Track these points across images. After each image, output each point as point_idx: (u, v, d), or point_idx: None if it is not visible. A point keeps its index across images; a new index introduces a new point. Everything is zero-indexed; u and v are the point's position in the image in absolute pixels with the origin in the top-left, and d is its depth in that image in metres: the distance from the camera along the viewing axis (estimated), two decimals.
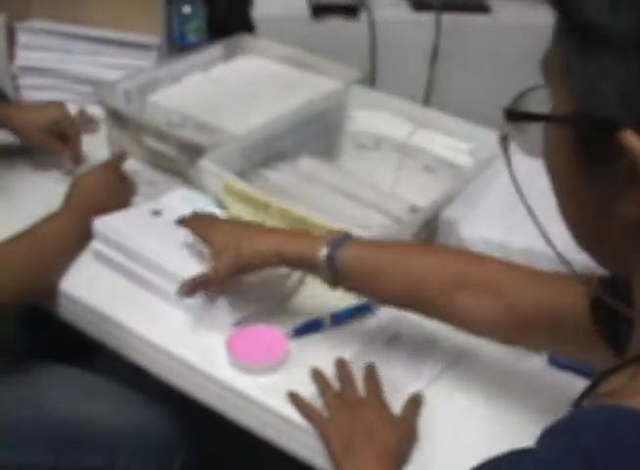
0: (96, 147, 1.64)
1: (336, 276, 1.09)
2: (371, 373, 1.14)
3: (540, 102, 0.74)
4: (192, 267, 1.23)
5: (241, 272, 1.17)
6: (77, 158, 1.59)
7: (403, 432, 1.06)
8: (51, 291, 1.30)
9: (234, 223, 1.26)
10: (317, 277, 1.12)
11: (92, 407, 1.33)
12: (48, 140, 1.56)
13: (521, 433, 1.07)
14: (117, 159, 1.51)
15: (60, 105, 1.59)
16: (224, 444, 1.45)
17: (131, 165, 1.58)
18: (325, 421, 1.07)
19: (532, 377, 1.17)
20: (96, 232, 1.34)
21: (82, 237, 1.34)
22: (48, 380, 1.37)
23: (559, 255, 0.80)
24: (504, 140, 0.77)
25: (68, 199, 1.38)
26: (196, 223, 1.26)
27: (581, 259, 0.78)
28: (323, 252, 1.08)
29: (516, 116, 0.73)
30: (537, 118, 0.72)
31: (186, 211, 1.33)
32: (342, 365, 1.15)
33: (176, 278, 1.21)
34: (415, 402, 1.10)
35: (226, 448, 1.56)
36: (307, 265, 1.12)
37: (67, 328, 1.33)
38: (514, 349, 1.20)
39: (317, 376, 1.14)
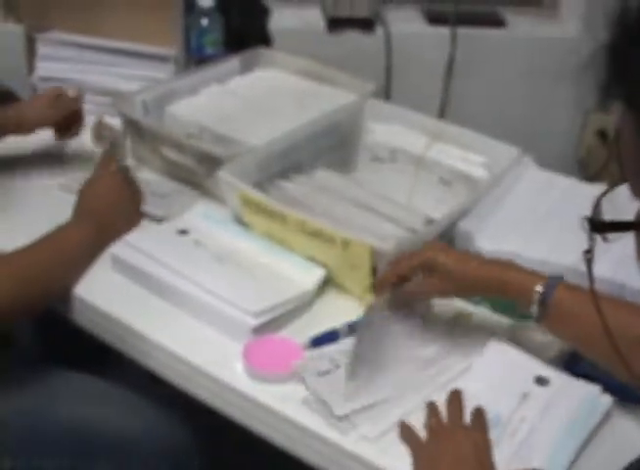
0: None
1: (543, 314, 1.09)
2: (479, 411, 1.09)
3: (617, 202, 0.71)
4: (218, 280, 1.28)
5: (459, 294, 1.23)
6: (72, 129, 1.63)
7: None
8: (66, 297, 1.31)
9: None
10: (524, 310, 1.12)
11: (106, 413, 1.34)
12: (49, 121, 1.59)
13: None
14: (119, 164, 1.51)
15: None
16: (239, 451, 1.46)
17: (149, 176, 1.60)
18: (420, 444, 1.06)
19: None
20: (122, 246, 1.37)
21: (97, 245, 1.36)
22: (62, 386, 1.37)
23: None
24: (588, 252, 0.73)
25: (78, 208, 1.39)
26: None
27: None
28: (539, 288, 1.09)
29: (601, 226, 0.70)
30: (625, 228, 0.68)
31: (210, 228, 1.40)
32: (455, 395, 1.12)
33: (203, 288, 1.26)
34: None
35: (241, 455, 1.56)
36: (521, 297, 1.11)
37: (81, 334, 1.34)
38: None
39: (429, 404, 1.11)
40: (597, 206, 0.72)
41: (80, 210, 1.39)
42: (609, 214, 0.73)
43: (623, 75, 0.65)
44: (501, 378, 1.16)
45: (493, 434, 1.06)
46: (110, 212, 1.40)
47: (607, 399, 1.11)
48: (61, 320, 1.36)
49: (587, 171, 2.74)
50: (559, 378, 1.15)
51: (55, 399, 1.34)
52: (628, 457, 0.88)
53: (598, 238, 0.73)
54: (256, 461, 1.46)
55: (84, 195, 1.42)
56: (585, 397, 1.12)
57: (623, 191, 0.71)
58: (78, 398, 1.36)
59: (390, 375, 1.16)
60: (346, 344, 1.21)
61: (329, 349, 1.20)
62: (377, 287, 1.23)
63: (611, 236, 0.72)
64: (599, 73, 0.65)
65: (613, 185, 0.73)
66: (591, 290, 0.79)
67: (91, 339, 1.33)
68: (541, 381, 1.15)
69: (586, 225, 0.72)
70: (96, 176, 1.46)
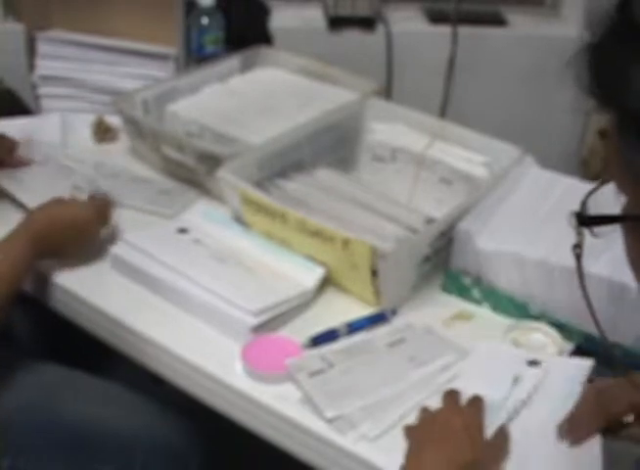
0: (115, 155, 1.66)
1: None
2: (476, 398, 1.09)
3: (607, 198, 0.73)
4: (218, 279, 1.28)
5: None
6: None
7: (486, 456, 1.01)
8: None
9: None
10: None
11: (106, 413, 1.34)
12: None
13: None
14: (102, 201, 1.43)
15: None
16: (239, 450, 1.46)
17: (149, 174, 1.60)
18: (410, 428, 1.07)
19: None
20: (122, 244, 1.36)
21: (29, 265, 1.29)
22: (63, 385, 1.37)
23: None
24: (577, 247, 0.76)
25: (22, 224, 1.32)
26: None
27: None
28: None
29: (588, 220, 0.73)
30: (611, 221, 0.71)
31: (210, 227, 1.40)
32: (451, 390, 1.12)
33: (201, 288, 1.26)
34: (504, 434, 1.06)
35: (240, 455, 1.56)
36: None
37: (82, 333, 1.34)
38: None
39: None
40: (585, 201, 0.74)
41: (20, 228, 1.31)
42: (600, 210, 0.75)
43: (607, 74, 0.66)
44: (494, 366, 1.17)
45: (488, 419, 1.06)
46: (49, 239, 1.32)
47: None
48: (61, 319, 1.36)
49: (589, 171, 2.74)
50: (551, 359, 1.18)
51: (55, 399, 1.34)
52: None
53: (587, 234, 0.75)
54: (256, 461, 1.46)
55: (32, 213, 1.35)
56: (579, 370, 1.14)
57: (612, 188, 0.72)
58: (79, 397, 1.36)
59: (383, 375, 1.16)
60: (342, 343, 1.21)
61: (324, 348, 1.20)
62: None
63: (600, 232, 0.73)
64: (581, 72, 0.67)
65: (601, 182, 0.74)
66: (581, 285, 0.80)
67: (92, 338, 1.33)
68: (533, 363, 1.16)
69: (574, 220, 0.74)
70: (59, 201, 1.39)
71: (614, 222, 0.71)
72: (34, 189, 1.48)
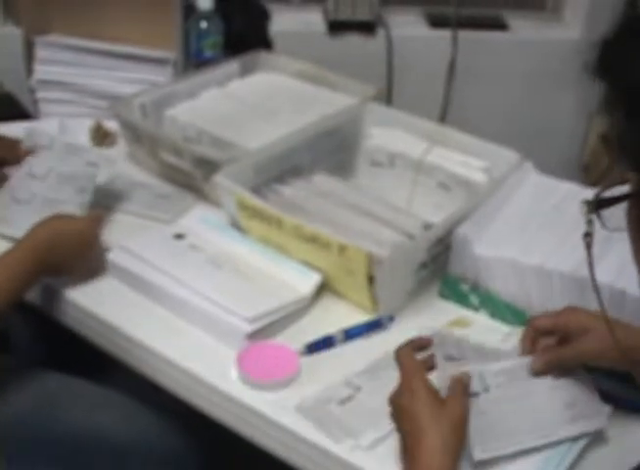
0: (113, 160, 1.65)
1: None
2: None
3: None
4: (213, 285, 1.27)
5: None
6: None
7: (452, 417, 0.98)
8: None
9: None
10: None
11: (103, 419, 1.34)
12: None
13: None
14: (98, 220, 1.41)
15: None
16: (236, 455, 1.45)
17: (146, 179, 1.60)
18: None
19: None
20: (118, 250, 1.35)
21: (31, 278, 1.28)
22: (61, 391, 1.37)
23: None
24: (588, 235, 0.78)
25: (24, 239, 1.30)
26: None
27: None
28: None
29: (599, 204, 0.75)
30: (622, 199, 0.73)
31: (207, 232, 1.39)
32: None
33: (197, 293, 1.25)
34: (461, 382, 1.03)
35: (239, 460, 1.55)
36: None
37: (81, 339, 1.33)
38: None
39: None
40: (599, 193, 0.76)
41: (25, 238, 1.30)
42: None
43: (613, 57, 0.68)
44: None
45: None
46: (52, 252, 1.30)
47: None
48: (60, 326, 1.35)
49: (590, 176, 2.73)
50: None
51: (52, 405, 1.34)
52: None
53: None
54: (254, 467, 1.45)
55: (37, 225, 1.33)
56: None
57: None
58: (76, 403, 1.36)
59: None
60: (359, 364, 1.19)
61: (344, 372, 1.17)
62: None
63: (609, 223, 0.75)
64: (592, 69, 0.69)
65: (617, 182, 0.75)
66: (591, 276, 0.81)
67: (91, 345, 1.32)
68: None
69: (585, 209, 0.76)
70: (63, 216, 1.38)
71: (626, 199, 0.73)
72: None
